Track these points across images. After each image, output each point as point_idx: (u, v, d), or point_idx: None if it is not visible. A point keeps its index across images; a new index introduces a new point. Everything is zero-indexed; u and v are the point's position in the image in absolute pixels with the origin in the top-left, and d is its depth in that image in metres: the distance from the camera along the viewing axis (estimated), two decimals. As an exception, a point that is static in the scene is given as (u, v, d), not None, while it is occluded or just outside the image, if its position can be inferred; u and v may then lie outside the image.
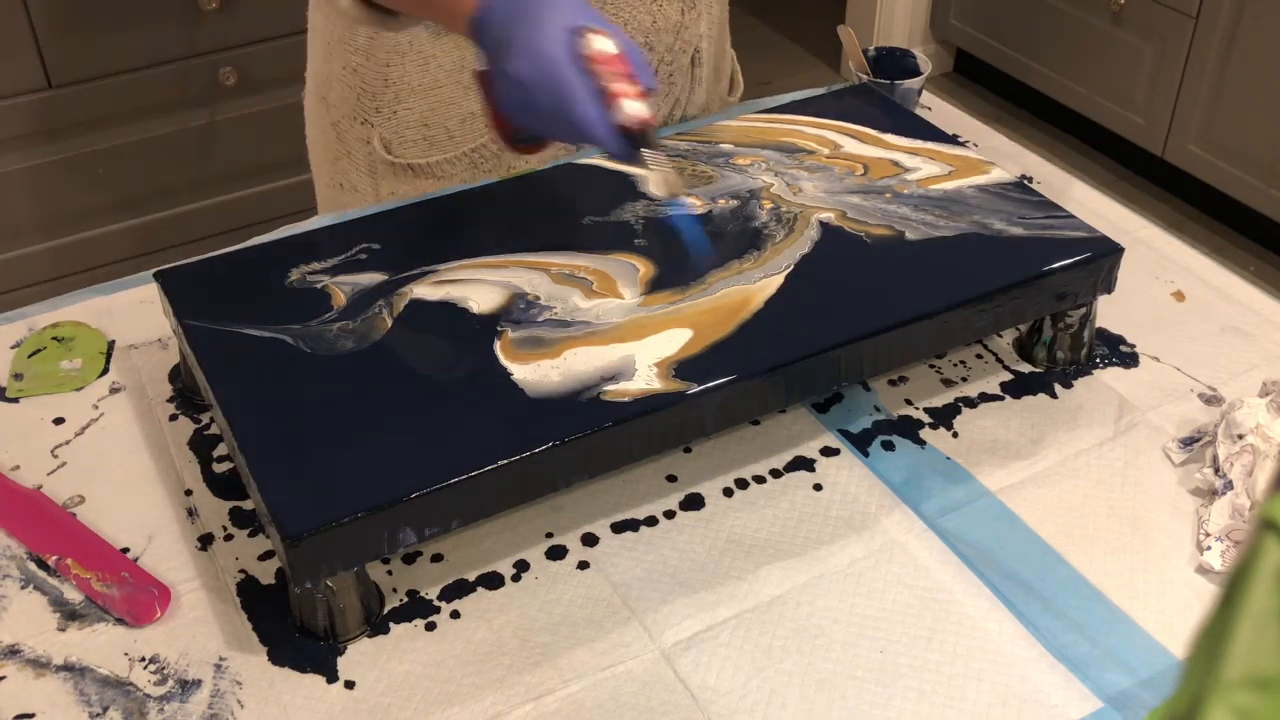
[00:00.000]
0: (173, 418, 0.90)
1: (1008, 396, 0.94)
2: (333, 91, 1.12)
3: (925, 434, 0.90)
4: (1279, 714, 0.32)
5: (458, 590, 0.79)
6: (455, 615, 0.77)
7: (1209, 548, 0.81)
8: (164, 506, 0.84)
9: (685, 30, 1.12)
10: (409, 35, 1.04)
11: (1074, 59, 2.77)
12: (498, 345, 0.82)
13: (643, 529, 0.83)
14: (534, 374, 0.80)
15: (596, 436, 0.77)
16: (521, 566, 0.80)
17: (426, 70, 1.06)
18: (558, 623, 0.77)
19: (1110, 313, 1.00)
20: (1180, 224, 2.66)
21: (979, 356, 0.97)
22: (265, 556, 0.81)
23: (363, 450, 0.75)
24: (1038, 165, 1.19)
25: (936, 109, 1.26)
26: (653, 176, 0.81)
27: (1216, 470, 0.84)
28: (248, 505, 0.84)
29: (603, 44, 0.78)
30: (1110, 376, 0.96)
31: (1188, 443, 0.89)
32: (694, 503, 0.85)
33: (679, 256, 0.89)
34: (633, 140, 0.79)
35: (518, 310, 0.85)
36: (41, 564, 0.80)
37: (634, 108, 0.78)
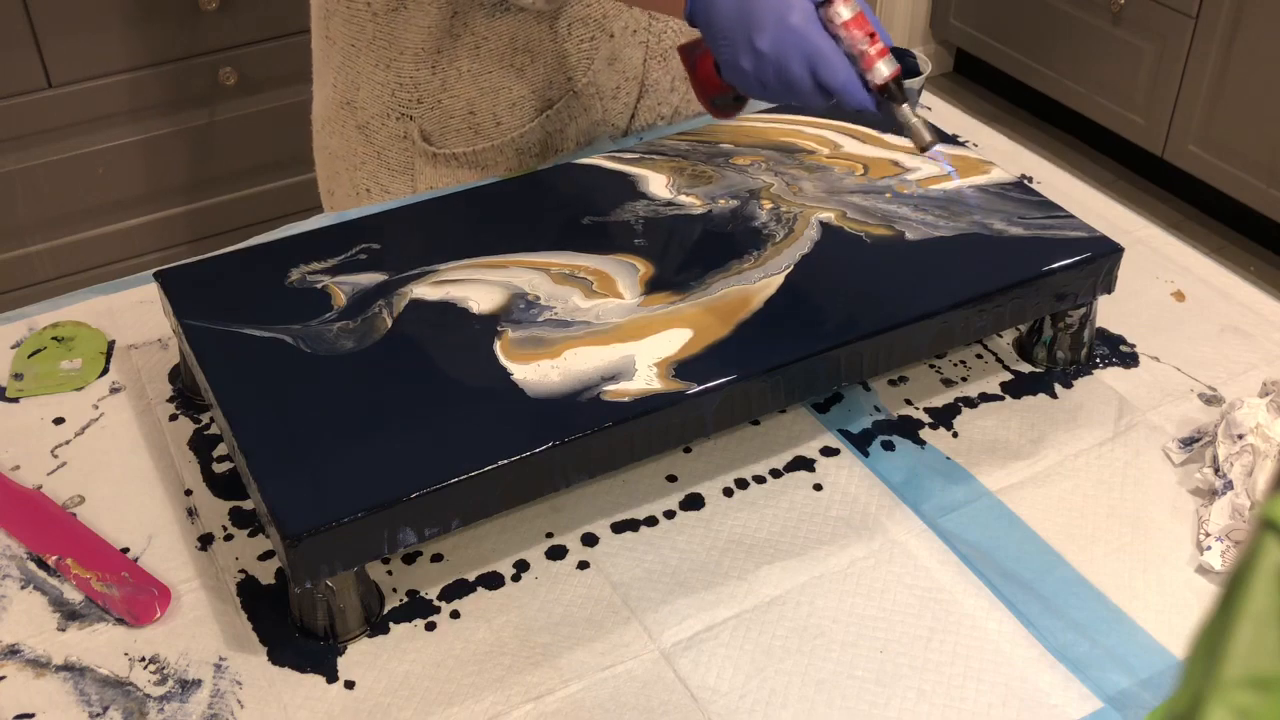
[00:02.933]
0: (173, 418, 0.90)
1: (1008, 396, 0.94)
2: (360, 93, 1.11)
3: (925, 434, 0.90)
4: (1279, 714, 0.32)
5: (458, 590, 0.79)
6: (455, 615, 0.77)
7: (1209, 548, 0.81)
8: (164, 506, 0.84)
9: (686, 30, 1.12)
10: (464, 19, 1.04)
11: (1074, 59, 2.77)
12: (498, 345, 0.82)
13: (643, 529, 0.83)
14: (534, 374, 0.80)
15: (596, 436, 0.77)
16: (521, 566, 0.80)
17: (478, 56, 1.06)
18: (558, 623, 0.77)
19: (1110, 313, 1.00)
20: (1180, 224, 2.66)
21: (979, 356, 0.97)
22: (265, 556, 0.81)
23: (363, 450, 0.75)
24: (1038, 165, 1.19)
25: (936, 109, 1.26)
26: (911, 128, 0.82)
27: (1216, 470, 0.84)
28: (248, 505, 0.84)
29: (843, 8, 0.79)
30: (1110, 376, 0.96)
31: (1188, 443, 0.89)
32: (694, 503, 0.85)
33: (679, 256, 0.89)
34: (885, 96, 0.81)
35: (518, 310, 0.85)
36: (41, 564, 0.80)
37: (884, 66, 0.79)
